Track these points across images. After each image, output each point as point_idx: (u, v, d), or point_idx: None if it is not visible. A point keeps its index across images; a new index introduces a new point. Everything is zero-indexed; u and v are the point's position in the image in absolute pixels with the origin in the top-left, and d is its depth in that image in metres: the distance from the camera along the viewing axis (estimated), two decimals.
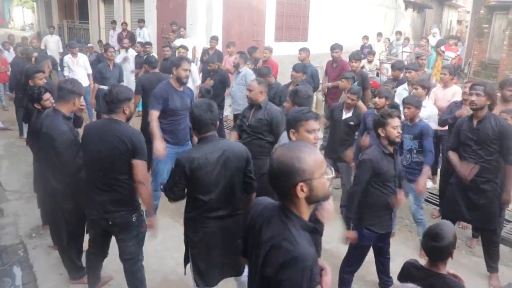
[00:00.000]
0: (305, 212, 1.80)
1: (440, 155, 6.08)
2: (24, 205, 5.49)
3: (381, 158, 3.49)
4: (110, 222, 3.27)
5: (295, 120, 2.84)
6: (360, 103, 5.75)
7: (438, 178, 5.99)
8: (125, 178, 3.20)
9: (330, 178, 1.77)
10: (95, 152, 3.20)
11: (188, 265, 3.13)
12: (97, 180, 3.23)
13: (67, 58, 9.22)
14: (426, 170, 4.51)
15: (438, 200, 5.68)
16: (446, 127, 5.39)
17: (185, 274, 3.21)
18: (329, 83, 7.40)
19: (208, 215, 2.89)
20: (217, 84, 7.33)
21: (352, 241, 3.60)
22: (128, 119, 3.32)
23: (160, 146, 4.60)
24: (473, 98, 3.99)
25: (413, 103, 4.55)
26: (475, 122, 4.07)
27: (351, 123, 5.22)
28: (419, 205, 4.73)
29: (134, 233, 3.35)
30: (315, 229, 1.81)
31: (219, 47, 10.95)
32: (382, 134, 3.53)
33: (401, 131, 3.55)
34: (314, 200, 1.77)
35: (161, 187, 3.26)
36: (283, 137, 3.46)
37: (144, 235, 3.47)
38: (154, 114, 4.71)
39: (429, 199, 5.90)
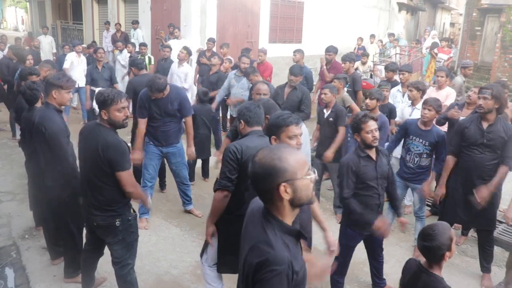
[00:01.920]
0: (288, 216, 1.78)
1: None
2: (17, 206, 5.46)
3: (358, 161, 3.50)
4: (95, 224, 3.28)
5: (276, 127, 2.77)
6: (353, 104, 5.79)
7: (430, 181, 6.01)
8: (104, 183, 3.16)
9: (313, 179, 1.75)
10: (81, 155, 3.26)
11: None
12: (85, 182, 3.27)
13: (73, 56, 9.21)
14: (433, 176, 4.57)
15: (431, 201, 5.72)
16: (445, 129, 5.42)
17: (201, 257, 3.32)
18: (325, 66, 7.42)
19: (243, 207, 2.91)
20: (214, 85, 7.36)
21: (384, 229, 3.44)
22: (113, 126, 3.18)
23: (137, 156, 4.69)
24: (481, 102, 3.97)
25: (436, 106, 4.46)
26: (485, 125, 4.03)
27: (331, 119, 5.24)
28: (423, 203, 4.77)
29: (119, 237, 3.31)
30: (299, 232, 1.80)
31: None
32: (358, 139, 3.55)
33: (376, 135, 3.48)
34: (297, 202, 1.75)
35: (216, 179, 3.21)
36: None
37: (133, 240, 3.43)
38: (141, 122, 4.87)
39: None
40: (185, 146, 5.19)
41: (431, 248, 2.45)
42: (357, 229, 3.59)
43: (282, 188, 1.68)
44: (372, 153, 3.55)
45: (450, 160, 4.33)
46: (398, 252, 4.66)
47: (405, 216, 5.49)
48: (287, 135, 2.74)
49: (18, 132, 6.95)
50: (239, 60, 7.43)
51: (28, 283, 4.00)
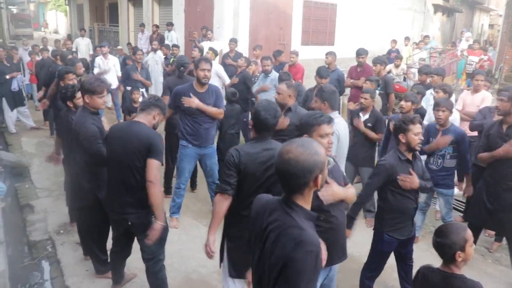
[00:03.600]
0: (309, 203, 1.91)
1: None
2: (53, 202, 5.65)
3: (397, 164, 3.44)
4: (129, 223, 3.34)
5: (308, 125, 2.82)
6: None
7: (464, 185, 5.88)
8: (141, 180, 3.22)
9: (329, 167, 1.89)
10: (117, 153, 3.28)
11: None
12: (118, 180, 3.30)
13: (99, 59, 9.47)
14: (469, 179, 4.55)
15: (464, 207, 5.59)
16: (475, 133, 5.29)
17: (220, 266, 3.26)
18: (351, 80, 7.37)
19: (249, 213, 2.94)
20: (241, 85, 7.41)
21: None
22: (153, 127, 3.35)
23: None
24: (497, 103, 4.02)
25: (448, 106, 4.48)
26: (504, 127, 4.04)
27: (369, 124, 5.20)
28: (450, 208, 4.72)
29: None
30: (318, 217, 1.91)
31: (245, 50, 11.03)
32: (403, 140, 3.46)
33: (422, 138, 3.48)
34: (319, 189, 1.90)
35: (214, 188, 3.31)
36: None
37: (165, 235, 3.49)
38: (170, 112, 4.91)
39: (454, 206, 5.79)
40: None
41: (442, 245, 2.43)
42: (395, 234, 3.54)
43: (319, 178, 1.81)
44: (410, 157, 3.51)
45: (481, 155, 4.31)
46: (428, 258, 4.52)
47: (434, 223, 5.43)
48: (318, 133, 2.77)
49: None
50: (261, 62, 7.51)
51: (62, 276, 4.14)
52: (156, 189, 3.21)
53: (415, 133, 3.41)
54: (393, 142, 4.89)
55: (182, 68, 5.95)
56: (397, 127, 3.53)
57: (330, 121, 2.84)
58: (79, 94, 4.23)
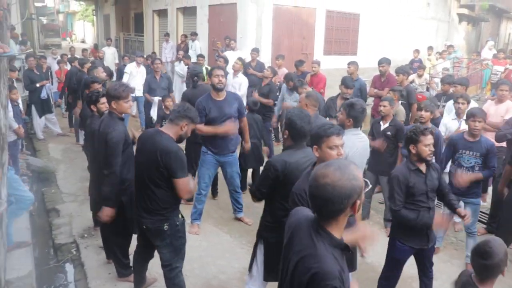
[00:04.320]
0: (341, 229, 1.80)
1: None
2: (78, 207, 5.79)
3: (408, 174, 3.45)
4: (144, 226, 3.41)
5: (317, 137, 2.79)
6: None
7: (488, 197, 5.79)
8: (156, 189, 3.28)
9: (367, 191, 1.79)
10: (138, 160, 3.38)
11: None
12: (138, 185, 3.40)
13: (132, 67, 9.67)
14: (479, 175, 4.36)
15: (487, 219, 5.50)
16: (502, 144, 5.21)
17: (249, 271, 3.39)
18: (375, 90, 7.38)
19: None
20: (266, 96, 7.49)
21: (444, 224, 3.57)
22: (179, 140, 3.36)
23: (228, 126, 4.86)
24: None
25: (484, 116, 4.38)
26: None
27: (389, 133, 5.19)
28: (476, 218, 4.62)
29: (167, 241, 3.42)
30: (346, 246, 1.79)
31: (267, 59, 11.13)
32: (413, 151, 3.46)
33: (433, 149, 3.46)
34: (357, 212, 1.78)
35: (248, 187, 3.42)
36: None
37: (181, 244, 3.52)
38: (199, 126, 4.76)
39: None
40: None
41: (491, 266, 2.37)
42: (408, 242, 3.53)
43: (357, 203, 1.72)
44: (422, 167, 3.50)
45: (509, 169, 4.26)
46: (449, 269, 4.51)
47: (455, 233, 5.35)
48: (327, 145, 2.74)
49: (81, 138, 7.41)
50: (284, 80, 7.57)
51: (86, 279, 4.23)
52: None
53: (425, 144, 3.40)
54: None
55: (195, 78, 6.08)
56: (408, 138, 3.53)
57: (339, 132, 2.78)
58: (103, 99, 4.37)
